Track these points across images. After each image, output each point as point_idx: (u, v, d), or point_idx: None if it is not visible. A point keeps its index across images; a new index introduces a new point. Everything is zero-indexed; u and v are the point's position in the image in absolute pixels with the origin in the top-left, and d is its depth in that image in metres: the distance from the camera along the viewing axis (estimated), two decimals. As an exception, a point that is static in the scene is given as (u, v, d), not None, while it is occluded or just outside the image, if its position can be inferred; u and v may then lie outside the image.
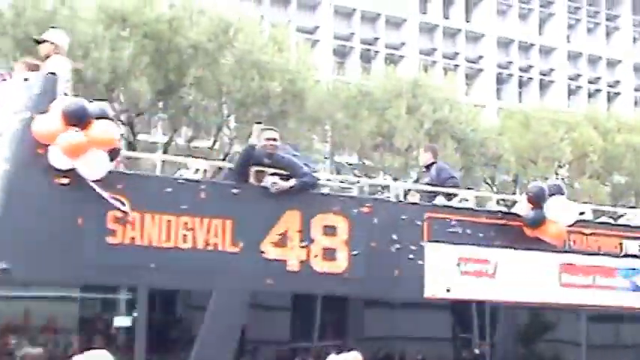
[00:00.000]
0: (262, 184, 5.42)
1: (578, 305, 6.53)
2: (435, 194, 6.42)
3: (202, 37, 17.63)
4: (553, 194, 6.34)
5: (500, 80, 36.92)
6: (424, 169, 7.30)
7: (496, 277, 6.13)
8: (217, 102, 18.33)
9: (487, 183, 24.28)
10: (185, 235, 5.08)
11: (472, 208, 6.25)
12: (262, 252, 5.29)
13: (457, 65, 35.41)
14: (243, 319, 5.27)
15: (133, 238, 4.95)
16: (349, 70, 31.39)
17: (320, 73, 21.39)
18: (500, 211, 6.51)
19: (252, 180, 5.50)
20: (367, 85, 22.64)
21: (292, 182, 5.44)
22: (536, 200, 6.29)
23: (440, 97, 21.86)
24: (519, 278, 6.28)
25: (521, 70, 37.39)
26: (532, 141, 24.36)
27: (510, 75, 37.13)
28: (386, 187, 6.71)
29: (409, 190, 7.03)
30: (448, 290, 5.96)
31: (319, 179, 5.95)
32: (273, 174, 5.43)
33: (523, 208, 6.40)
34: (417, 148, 20.67)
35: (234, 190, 5.33)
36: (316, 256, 5.44)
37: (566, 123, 25.39)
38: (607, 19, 39.72)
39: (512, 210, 6.51)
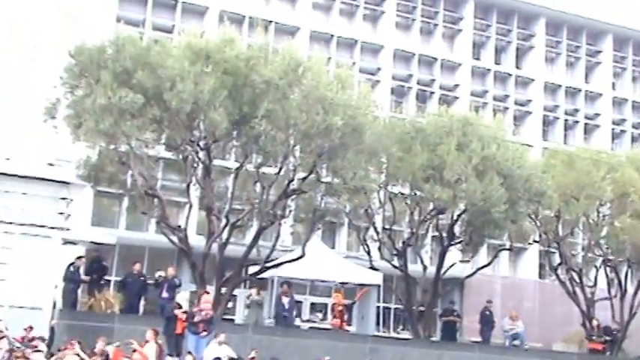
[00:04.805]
0: None
1: None
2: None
3: (274, 74, 18.06)
4: None
5: (546, 122, 36.70)
6: None
7: None
8: (285, 133, 18.61)
9: (530, 217, 24.02)
10: None
11: None
12: None
13: (507, 107, 35.40)
14: None
15: None
16: (406, 109, 31.67)
17: (379, 110, 21.55)
18: None
19: None
20: (421, 122, 22.80)
21: None
22: None
23: (488, 135, 21.73)
24: None
25: (567, 113, 37.09)
26: (575, 179, 24.02)
27: (557, 118, 36.88)
28: None
29: None
30: None
31: None
32: None
33: None
34: (465, 181, 20.67)
35: None
36: None
37: (608, 164, 24.98)
38: (652, 69, 39.13)
39: None
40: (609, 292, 25.62)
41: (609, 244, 25.47)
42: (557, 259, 26.28)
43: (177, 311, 16.36)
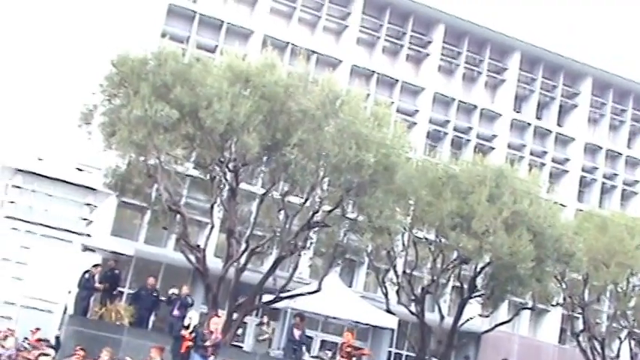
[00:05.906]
0: None
1: None
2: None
3: (311, 104, 18.39)
4: None
5: (583, 183, 36.48)
6: None
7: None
8: (315, 164, 18.81)
9: (557, 278, 23.82)
10: None
11: None
12: None
13: (544, 164, 35.29)
14: None
15: None
16: (440, 154, 31.78)
17: (412, 151, 21.65)
18: None
19: None
20: (454, 168, 22.90)
21: None
22: None
23: (522, 189, 21.72)
24: None
25: (605, 177, 36.85)
26: (606, 244, 23.81)
27: (594, 180, 36.63)
28: None
29: None
30: None
31: None
32: None
33: None
34: (493, 233, 20.58)
35: None
36: None
37: (643, 232, 24.72)
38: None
39: None
40: (632, 366, 25.20)
41: (636, 316, 25.11)
42: (580, 325, 25.95)
43: (183, 331, 16.52)
